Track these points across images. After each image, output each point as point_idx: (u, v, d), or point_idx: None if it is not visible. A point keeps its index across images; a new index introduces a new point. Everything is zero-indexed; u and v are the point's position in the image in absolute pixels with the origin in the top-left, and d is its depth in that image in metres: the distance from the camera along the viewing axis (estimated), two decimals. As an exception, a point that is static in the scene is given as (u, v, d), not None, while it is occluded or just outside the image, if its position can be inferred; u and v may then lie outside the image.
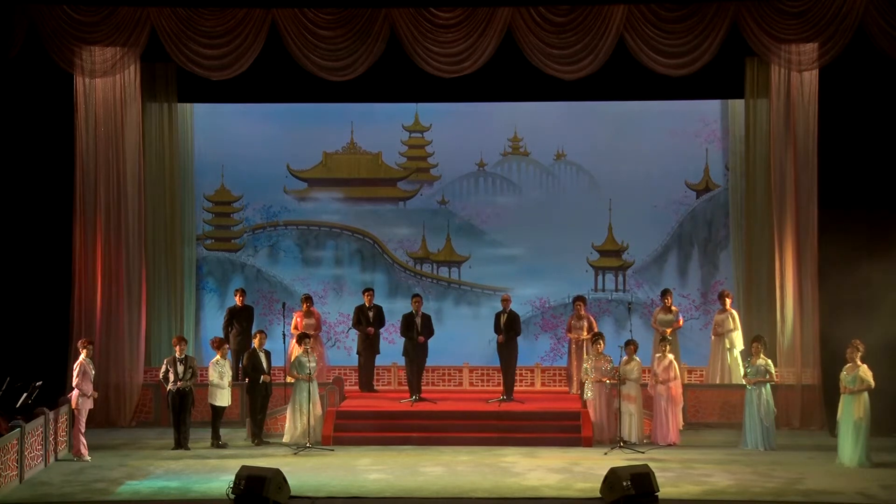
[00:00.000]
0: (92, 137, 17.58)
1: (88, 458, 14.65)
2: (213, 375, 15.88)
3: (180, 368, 15.59)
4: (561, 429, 15.88)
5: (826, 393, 16.39)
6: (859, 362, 14.28)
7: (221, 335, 17.36)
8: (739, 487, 12.85)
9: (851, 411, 14.16)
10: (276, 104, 18.95)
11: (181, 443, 15.49)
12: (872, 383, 14.17)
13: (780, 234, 17.38)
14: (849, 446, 14.16)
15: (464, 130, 19.29)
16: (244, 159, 19.25)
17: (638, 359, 16.03)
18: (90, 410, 15.11)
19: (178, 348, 15.76)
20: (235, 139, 19.24)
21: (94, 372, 15.20)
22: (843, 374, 14.33)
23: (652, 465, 11.88)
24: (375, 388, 18.26)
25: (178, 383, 15.56)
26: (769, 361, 15.47)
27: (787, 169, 17.31)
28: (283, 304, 17.83)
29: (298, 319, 17.84)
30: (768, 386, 15.35)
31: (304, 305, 17.90)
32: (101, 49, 17.30)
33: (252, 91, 18.18)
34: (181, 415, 15.54)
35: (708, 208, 19.25)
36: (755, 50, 16.98)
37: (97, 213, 17.58)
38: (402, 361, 17.78)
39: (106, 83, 17.59)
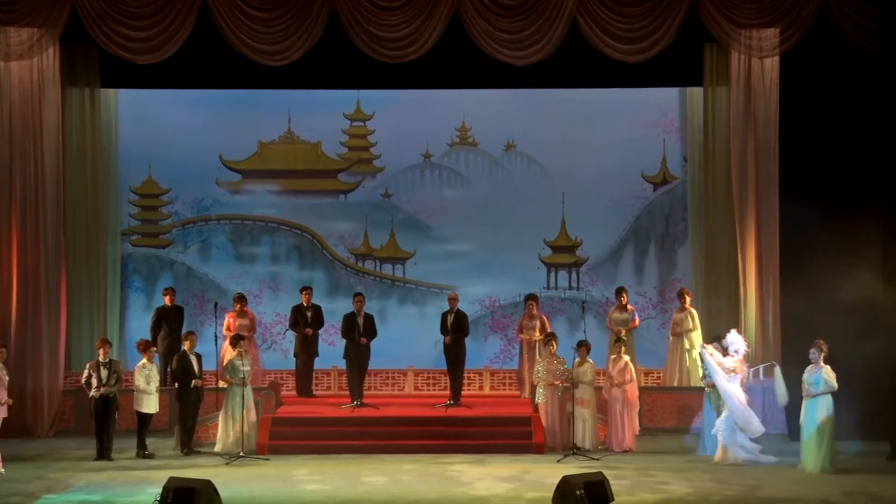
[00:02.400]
0: (6, 125, 17.32)
1: (2, 470, 14.41)
2: (139, 380, 15.72)
3: (104, 373, 15.43)
4: (511, 435, 15.89)
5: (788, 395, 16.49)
6: (822, 363, 14.38)
7: (148, 337, 17.22)
8: (698, 495, 12.91)
9: (814, 415, 14.28)
10: (208, 90, 18.78)
11: (104, 453, 15.33)
12: (836, 385, 14.29)
13: (740, 228, 17.52)
14: (811, 451, 14.29)
15: (408, 119, 19.24)
16: (173, 149, 19.06)
17: (592, 361, 16.07)
18: (4, 419, 14.87)
19: (101, 351, 15.58)
20: (163, 128, 19.04)
21: (7, 378, 14.98)
22: (806, 375, 14.44)
23: (607, 472, 11.88)
24: (314, 393, 18.16)
25: (102, 389, 15.39)
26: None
27: (748, 159, 17.45)
28: (216, 304, 17.65)
29: (231, 320, 17.72)
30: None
31: (238, 305, 17.77)
32: (17, 30, 17.02)
33: (181, 76, 17.98)
34: (104, 423, 15.37)
35: (665, 201, 19.37)
36: (714, 35, 17.08)
37: (12, 206, 17.33)
38: (342, 364, 17.70)
39: (22, 67, 17.31)
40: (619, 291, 17.86)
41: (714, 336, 15.88)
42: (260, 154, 19.42)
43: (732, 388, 14.82)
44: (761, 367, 15.33)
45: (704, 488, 13.27)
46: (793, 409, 15.26)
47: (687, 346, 17.47)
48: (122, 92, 18.86)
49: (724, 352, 15.18)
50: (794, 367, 15.45)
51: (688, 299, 17.57)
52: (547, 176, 19.34)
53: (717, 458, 14.74)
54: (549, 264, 19.49)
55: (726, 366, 14.90)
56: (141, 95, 18.92)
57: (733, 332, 15.44)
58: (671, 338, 17.76)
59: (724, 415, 14.82)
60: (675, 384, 17.54)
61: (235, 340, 16.19)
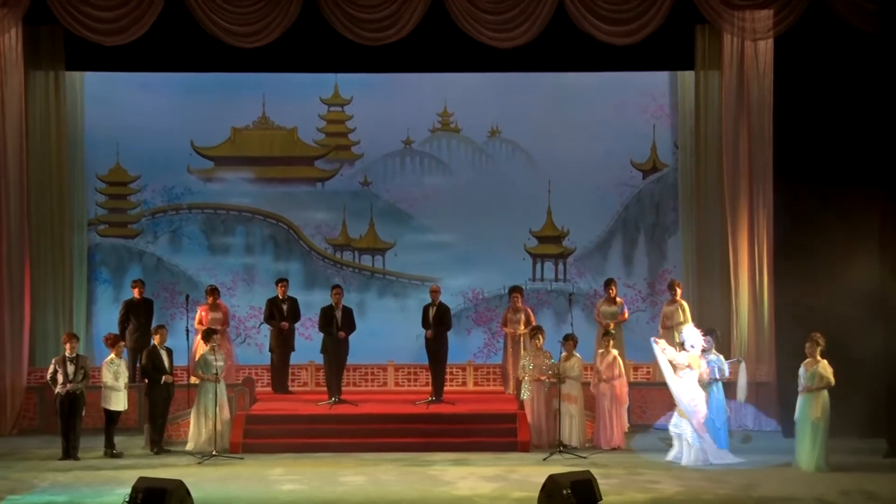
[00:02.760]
0: (-33, 110, 17.20)
1: (-36, 470, 14.33)
2: (107, 376, 15.66)
3: (70, 369, 15.36)
4: (495, 432, 15.90)
5: (781, 391, 16.58)
6: (819, 357, 14.41)
7: (117, 331, 17.17)
8: (689, 494, 12.95)
9: (809, 411, 14.32)
10: (179, 74, 18.71)
11: (70, 452, 15.27)
12: (833, 380, 14.33)
13: (732, 217, 17.55)
14: (806, 449, 14.33)
15: (388, 104, 19.21)
16: (142, 135, 18.98)
17: (579, 355, 16.09)
18: (-34, 417, 14.79)
19: (67, 346, 15.51)
20: (132, 112, 18.95)
21: (-30, 374, 14.89)
22: (802, 370, 14.48)
23: (594, 471, 11.90)
24: (290, 389, 18.14)
25: (68, 385, 15.33)
26: (722, 357, 15.58)
27: (741, 146, 17.48)
28: (187, 297, 17.62)
29: (204, 314, 17.67)
30: (720, 384, 15.46)
31: (210, 298, 17.72)
32: (-23, 10, 16.89)
33: (151, 59, 17.89)
34: (71, 421, 15.31)
35: (655, 190, 19.39)
36: (706, 17, 17.08)
37: (-27, 195, 17.24)
38: (319, 360, 17.67)
39: (-17, 48, 17.19)
40: (608, 283, 17.87)
41: (707, 329, 15.89)
42: (233, 140, 19.36)
43: (682, 386, 14.72)
44: (727, 364, 15.31)
45: (696, 487, 13.31)
46: (787, 406, 15.31)
47: (678, 339, 17.42)
48: (89, 75, 18.76)
49: (711, 344, 15.14)
50: (789, 361, 15.53)
51: (678, 291, 17.59)
52: (532, 163, 19.34)
53: (684, 460, 14.61)
54: (534, 255, 19.51)
55: (678, 361, 14.78)
56: (108, 79, 18.83)
57: (689, 326, 15.35)
58: (661, 331, 17.71)
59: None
60: (666, 379, 17.54)
61: (208, 335, 16.15)
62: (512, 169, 19.36)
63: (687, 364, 14.81)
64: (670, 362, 14.79)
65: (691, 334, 15.05)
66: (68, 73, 18.27)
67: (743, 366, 15.38)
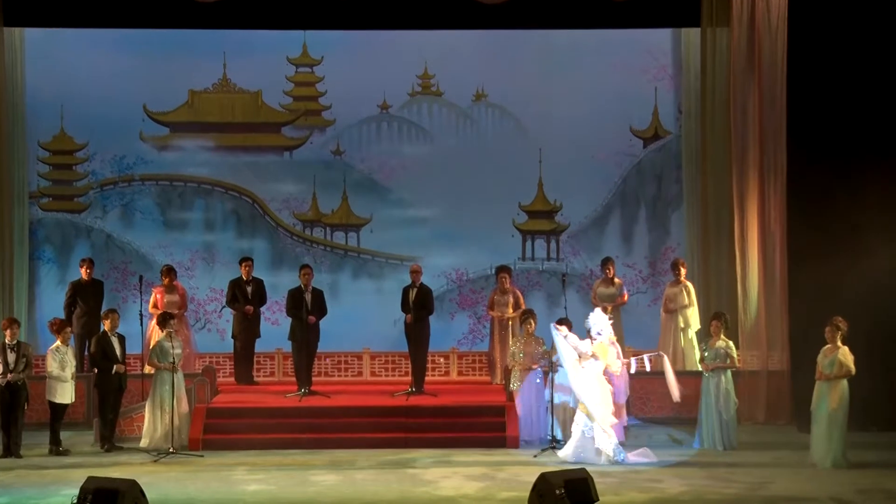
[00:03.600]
0: None
1: None
2: (52, 366, 15.61)
3: (11, 357, 15.32)
4: (482, 427, 15.92)
5: (795, 381, 16.63)
6: (840, 344, 14.41)
7: (62, 316, 17.07)
8: (693, 494, 12.98)
9: (827, 402, 14.35)
10: (131, 30, 18.59)
11: (12, 449, 15.23)
12: (853, 369, 14.36)
13: (741, 189, 17.58)
14: (822, 443, 14.38)
15: (363, 65, 19.17)
16: (90, 98, 18.91)
17: (574, 341, 16.07)
18: None
19: (8, 333, 15.46)
20: (79, 73, 18.88)
21: None
22: (820, 357, 14.50)
23: (590, 469, 11.91)
24: (255, 379, 18.13)
25: (9, 376, 15.29)
26: (730, 343, 15.63)
27: (751, 110, 17.48)
28: (140, 278, 17.56)
29: (159, 296, 17.65)
30: (728, 373, 15.51)
31: (166, 279, 17.67)
32: None
33: (100, 13, 17.80)
34: (12, 415, 15.28)
35: (657, 160, 19.43)
36: (713, -33, 17.09)
37: None
38: (288, 347, 17.66)
39: (-89, 2, 17.05)
40: (605, 263, 17.88)
41: (715, 313, 15.90)
42: (191, 104, 19.27)
43: (583, 377, 14.68)
44: (646, 357, 15.26)
45: (701, 486, 13.34)
46: (802, 398, 15.35)
47: (682, 324, 17.53)
48: (30, 31, 18.64)
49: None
50: (804, 347, 15.57)
51: (683, 271, 17.62)
52: (522, 130, 19.34)
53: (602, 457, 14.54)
54: (524, 232, 19.52)
55: (582, 350, 14.70)
56: (52, 36, 18.71)
57: (597, 311, 15.11)
58: (663, 315, 17.80)
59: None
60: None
61: (164, 320, 16.09)
62: (499, 136, 19.36)
63: (592, 353, 14.72)
64: (576, 351, 14.69)
65: (598, 320, 14.84)
66: (6, 30, 18.15)
67: (666, 359, 15.36)
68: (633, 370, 15.32)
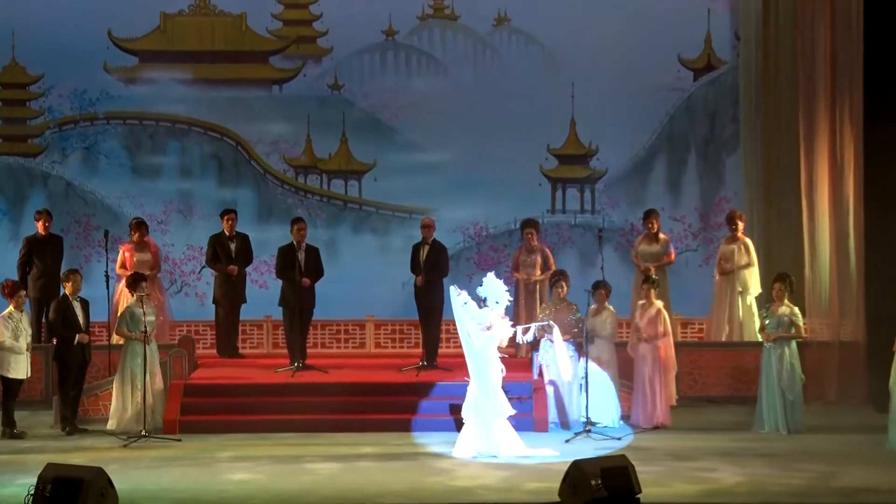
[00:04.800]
0: None
1: None
2: (4, 335, 15.62)
3: (-45, 326, 15.35)
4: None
5: (872, 353, 16.60)
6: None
7: (15, 277, 17.06)
8: (751, 485, 12.96)
9: (905, 377, 14.35)
10: (92, -58, 18.59)
11: (-42, 433, 15.32)
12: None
13: (808, 130, 17.58)
14: (902, 426, 14.38)
15: (365, -17, 19.14)
16: (45, 23, 18.90)
17: (612, 308, 16.08)
18: None
19: (-50, 297, 15.50)
20: (32, -7, 18.83)
21: None
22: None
23: (631, 456, 11.88)
24: (240, 351, 18.18)
25: (-47, 348, 15.34)
26: (795, 310, 15.60)
27: (821, 36, 17.42)
28: (106, 233, 17.57)
29: (128, 254, 17.65)
30: (793, 344, 15.48)
31: (136, 234, 17.67)
32: None
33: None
34: (-42, 393, 15.33)
35: (710, 95, 19.42)
36: None
37: None
38: (278, 314, 17.69)
39: None
40: (649, 216, 17.81)
41: (778, 274, 15.84)
42: (163, 30, 19.28)
43: (476, 354, 14.52)
44: (534, 326, 15.09)
45: (761, 476, 13.31)
46: (880, 373, 15.31)
47: (739, 287, 17.50)
48: (-25, -56, 18.64)
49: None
50: (882, 314, 15.53)
51: (740, 225, 17.58)
52: (551, 61, 19.33)
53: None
54: (554, 180, 19.50)
55: (481, 321, 14.45)
56: (0, -51, 18.73)
57: (490, 276, 14.88)
58: (717, 277, 17.77)
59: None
60: (724, 338, 17.62)
61: (133, 281, 16.04)
62: (524, 68, 19.36)
63: (489, 325, 14.53)
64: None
65: (493, 287, 14.55)
66: (-52, -58, 18.16)
67: (557, 330, 15.20)
68: (520, 340, 15.04)
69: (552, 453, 14.34)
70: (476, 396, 14.41)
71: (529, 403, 15.85)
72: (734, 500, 12.52)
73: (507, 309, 14.46)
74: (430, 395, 16.18)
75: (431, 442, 14.98)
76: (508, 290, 17.60)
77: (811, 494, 12.74)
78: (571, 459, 11.74)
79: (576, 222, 19.47)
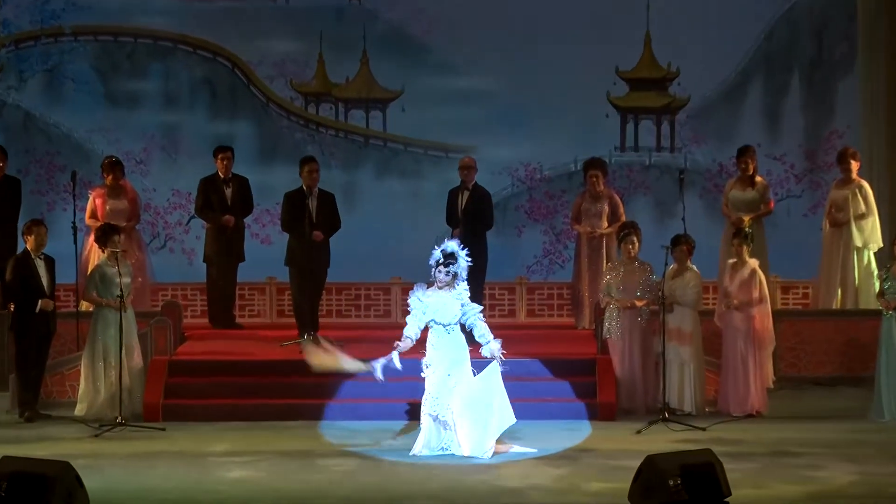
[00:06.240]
0: None
1: None
2: (-51, 301, 15.75)
3: None
4: (562, 390, 16.00)
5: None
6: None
7: (-37, 230, 17.21)
8: (868, 486, 12.93)
9: None
10: None
11: None
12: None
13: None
14: None
15: None
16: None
17: (695, 268, 16.05)
18: None
19: None
20: None
21: None
22: None
23: (718, 450, 11.87)
24: (237, 321, 18.30)
25: None
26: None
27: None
28: (74, 175, 17.60)
29: (99, 201, 17.72)
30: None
31: (110, 177, 17.72)
32: None
33: None
34: None
35: (817, 5, 19.36)
36: None
37: None
38: (283, 275, 17.78)
39: None
40: (742, 154, 17.74)
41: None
42: (142, -78, 19.36)
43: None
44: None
45: (880, 476, 13.27)
46: None
47: (855, 241, 17.43)
48: None
49: None
50: None
51: (854, 166, 17.52)
52: (621, -39, 19.27)
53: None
54: (624, 110, 19.52)
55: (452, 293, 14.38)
56: None
57: (448, 241, 14.66)
58: (827, 229, 17.71)
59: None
60: (835, 306, 17.61)
61: (105, 234, 16.07)
62: (588, -30, 19.29)
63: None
64: None
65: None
66: None
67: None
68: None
69: (524, 450, 14.30)
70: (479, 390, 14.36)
71: (592, 386, 15.85)
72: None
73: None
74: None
75: (472, 432, 15.03)
76: (567, 247, 17.73)
77: (940, 498, 12.75)
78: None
79: (651, 162, 19.43)
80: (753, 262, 16.04)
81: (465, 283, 14.23)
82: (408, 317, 14.26)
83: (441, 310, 14.11)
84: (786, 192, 19.03)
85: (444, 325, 14.15)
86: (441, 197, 17.71)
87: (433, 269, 14.17)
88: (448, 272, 14.10)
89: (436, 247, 14.21)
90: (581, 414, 15.64)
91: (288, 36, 19.45)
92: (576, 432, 15.05)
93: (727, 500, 11.38)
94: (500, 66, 19.36)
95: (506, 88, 19.35)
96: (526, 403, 15.60)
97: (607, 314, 16.14)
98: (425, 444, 14.17)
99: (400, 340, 14.17)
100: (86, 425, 15.39)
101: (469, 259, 14.19)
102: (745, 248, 16.05)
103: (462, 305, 14.17)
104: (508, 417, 14.13)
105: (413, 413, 15.29)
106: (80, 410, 15.88)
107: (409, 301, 14.21)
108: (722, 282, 16.27)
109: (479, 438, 14.07)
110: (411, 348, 14.27)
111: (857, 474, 13.37)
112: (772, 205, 17.78)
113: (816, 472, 13.45)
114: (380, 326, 18.59)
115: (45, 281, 15.86)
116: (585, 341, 17.02)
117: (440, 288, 14.15)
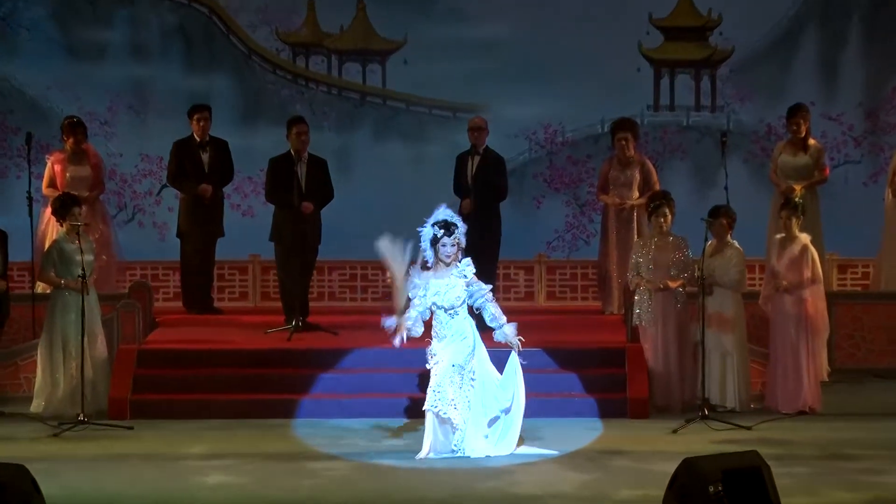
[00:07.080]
0: None
1: None
2: None
3: None
4: (588, 384, 16.06)
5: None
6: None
7: None
8: (940, 496, 12.95)
9: None
10: None
11: None
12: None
13: None
14: None
15: None
16: None
17: (738, 245, 16.00)
18: None
19: None
20: None
21: None
22: None
23: (765, 452, 11.87)
24: (216, 304, 18.36)
25: None
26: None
27: None
28: (29, 138, 17.62)
29: (58, 167, 17.75)
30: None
31: (70, 140, 17.75)
32: None
33: None
34: None
35: (877, -56, 19.36)
36: None
37: None
38: (269, 252, 17.81)
39: None
40: (794, 114, 17.73)
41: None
42: None
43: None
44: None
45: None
46: None
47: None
48: None
49: None
50: None
51: (922, 127, 17.57)
52: None
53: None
54: (658, 63, 19.54)
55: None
56: None
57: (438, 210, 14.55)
58: (890, 199, 17.70)
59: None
60: (899, 287, 17.65)
61: (63, 206, 16.07)
62: None
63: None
64: None
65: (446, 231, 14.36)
66: None
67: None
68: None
69: (539, 452, 14.39)
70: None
71: (622, 379, 15.84)
72: (912, 514, 12.55)
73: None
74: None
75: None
76: (593, 220, 17.72)
77: None
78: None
79: (689, 123, 19.44)
80: (805, 238, 16.03)
81: (468, 257, 14.13)
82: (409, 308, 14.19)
83: (442, 291, 14.04)
84: (843, 156, 19.05)
85: (446, 309, 14.09)
86: (448, 163, 17.71)
87: (430, 250, 14.01)
88: (454, 242, 13.98)
89: (420, 227, 13.99)
90: (609, 411, 15.65)
91: (272, -22, 19.54)
92: (602, 432, 15.11)
93: (776, 508, 11.40)
94: (515, 12, 19.42)
95: (522, 39, 19.40)
96: (545, 399, 15.73)
97: (637, 297, 16.15)
98: (432, 446, 14.18)
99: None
100: (43, 423, 15.48)
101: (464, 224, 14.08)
102: (795, 220, 16.04)
103: (468, 285, 14.08)
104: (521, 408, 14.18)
105: (414, 410, 15.33)
106: (36, 406, 15.96)
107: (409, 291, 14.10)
108: (769, 260, 16.27)
109: (498, 437, 14.13)
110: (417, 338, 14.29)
111: (925, 480, 13.41)
112: (827, 172, 17.79)
113: (877, 476, 13.48)
114: (378, 310, 18.54)
115: (-5, 260, 15.93)
116: (613, 328, 17.04)
117: (447, 265, 14.05)
